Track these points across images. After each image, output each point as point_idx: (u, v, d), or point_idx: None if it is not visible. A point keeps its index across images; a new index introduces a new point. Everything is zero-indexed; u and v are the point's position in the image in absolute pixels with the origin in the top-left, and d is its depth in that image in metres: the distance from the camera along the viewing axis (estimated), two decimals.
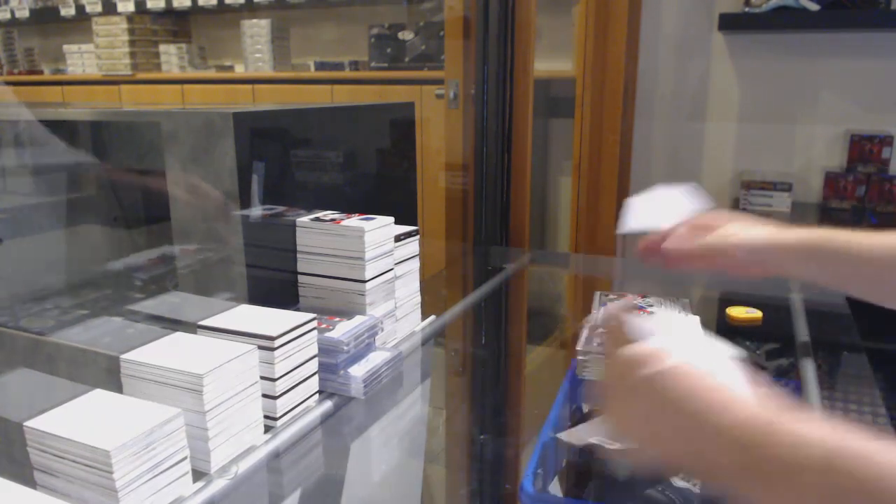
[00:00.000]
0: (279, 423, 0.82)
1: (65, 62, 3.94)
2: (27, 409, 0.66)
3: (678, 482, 0.74)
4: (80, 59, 3.85)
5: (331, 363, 0.89)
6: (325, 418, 0.88)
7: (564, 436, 0.79)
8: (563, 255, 2.29)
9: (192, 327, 0.83)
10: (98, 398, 0.68)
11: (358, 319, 0.95)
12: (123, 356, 0.74)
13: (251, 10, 3.38)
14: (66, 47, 3.89)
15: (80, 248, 1.13)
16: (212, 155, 0.92)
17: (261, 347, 0.78)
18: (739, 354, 0.57)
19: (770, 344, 1.23)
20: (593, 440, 0.77)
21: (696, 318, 1.08)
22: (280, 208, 1.02)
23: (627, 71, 2.15)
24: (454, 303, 1.37)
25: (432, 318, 1.20)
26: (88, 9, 3.70)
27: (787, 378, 1.01)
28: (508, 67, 1.84)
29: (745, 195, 2.21)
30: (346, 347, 0.89)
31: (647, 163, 2.49)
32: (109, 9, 3.64)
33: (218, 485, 0.71)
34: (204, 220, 0.94)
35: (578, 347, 0.94)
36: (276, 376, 0.80)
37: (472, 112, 1.85)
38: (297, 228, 1.00)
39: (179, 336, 0.79)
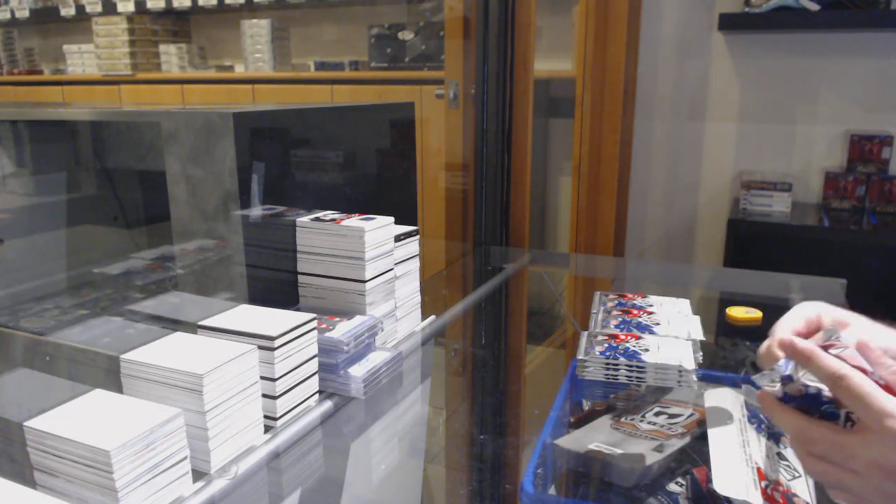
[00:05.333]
0: (279, 423, 0.82)
1: (65, 62, 3.94)
2: (27, 409, 0.66)
3: (676, 489, 0.74)
4: (80, 59, 3.85)
5: (331, 363, 0.89)
6: (325, 418, 0.88)
7: (563, 442, 0.78)
8: (563, 255, 2.29)
9: (192, 327, 0.83)
10: (98, 398, 0.68)
11: (358, 319, 0.95)
12: (123, 356, 0.73)
13: (251, 10, 3.38)
14: (66, 47, 3.89)
15: (80, 248, 1.13)
16: (212, 155, 0.92)
17: (261, 347, 0.78)
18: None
19: None
20: (593, 446, 0.76)
21: (697, 318, 1.08)
22: (280, 208, 1.02)
23: (627, 71, 2.15)
24: (454, 303, 1.37)
25: (432, 318, 1.20)
26: (88, 9, 3.70)
27: None
28: (508, 67, 1.84)
29: (745, 195, 2.21)
30: (346, 347, 0.89)
31: (647, 163, 2.49)
32: (109, 9, 3.63)
33: (218, 485, 0.71)
34: (204, 220, 0.94)
35: (579, 357, 0.94)
36: (276, 376, 0.80)
37: (472, 112, 1.85)
38: (297, 228, 1.00)
39: (179, 336, 0.79)
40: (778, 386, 0.57)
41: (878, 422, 0.49)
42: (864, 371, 0.53)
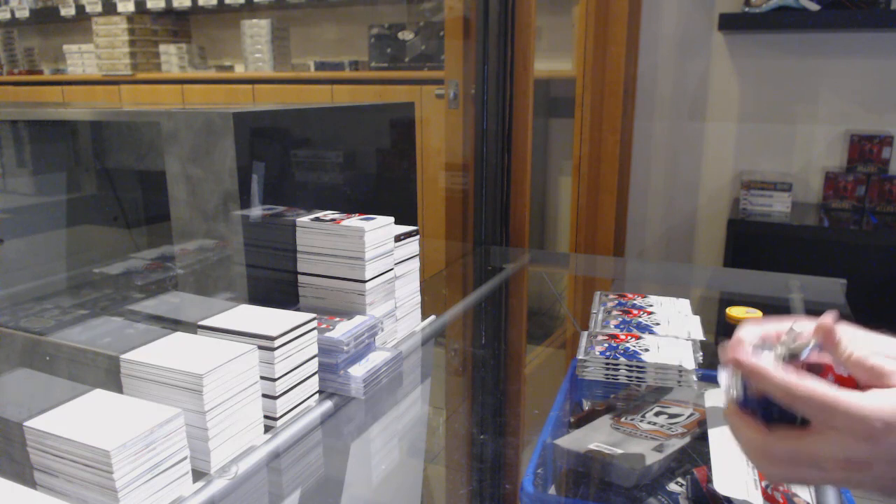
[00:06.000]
0: (279, 423, 0.82)
1: (65, 62, 3.94)
2: (27, 409, 0.66)
3: (676, 489, 0.74)
4: (80, 59, 3.85)
5: (331, 363, 0.89)
6: (325, 418, 0.88)
7: (563, 442, 0.78)
8: (563, 255, 2.29)
9: (192, 327, 0.83)
10: (98, 398, 0.68)
11: (358, 319, 0.95)
12: (123, 356, 0.74)
13: (251, 10, 3.38)
14: (66, 47, 3.89)
15: (80, 248, 1.13)
16: (212, 155, 0.92)
17: (261, 347, 0.78)
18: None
19: None
20: (593, 446, 0.76)
21: (697, 318, 1.08)
22: (280, 208, 1.02)
23: (627, 71, 2.15)
24: (454, 303, 1.37)
25: (432, 318, 1.20)
26: (88, 9, 3.70)
27: None
28: (508, 67, 1.84)
29: (745, 195, 2.21)
30: (346, 347, 0.89)
31: (647, 163, 2.49)
32: (109, 9, 3.63)
33: (218, 485, 0.71)
34: (204, 220, 0.94)
35: (579, 357, 0.94)
36: (276, 376, 0.80)
37: (472, 112, 1.85)
38: (297, 228, 1.00)
39: (179, 336, 0.79)
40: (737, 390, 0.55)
41: (839, 426, 0.48)
42: (829, 367, 0.51)
